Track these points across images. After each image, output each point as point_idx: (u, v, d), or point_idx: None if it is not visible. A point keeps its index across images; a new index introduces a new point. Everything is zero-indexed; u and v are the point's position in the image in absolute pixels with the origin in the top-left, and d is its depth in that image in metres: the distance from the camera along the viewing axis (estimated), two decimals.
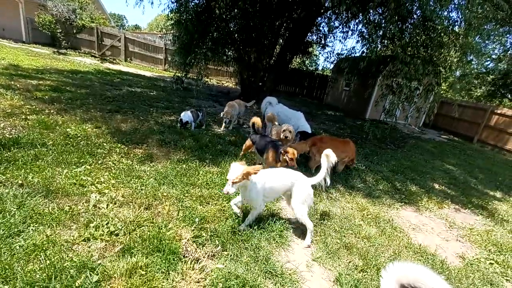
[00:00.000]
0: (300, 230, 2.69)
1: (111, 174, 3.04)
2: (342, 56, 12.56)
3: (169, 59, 16.77)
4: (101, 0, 20.15)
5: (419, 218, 3.56)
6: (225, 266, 2.02)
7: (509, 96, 14.92)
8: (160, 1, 8.72)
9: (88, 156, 3.33)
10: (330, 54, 13.10)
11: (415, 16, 5.76)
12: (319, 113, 12.07)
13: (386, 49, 7.53)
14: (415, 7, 5.51)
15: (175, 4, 8.05)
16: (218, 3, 7.60)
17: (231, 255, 2.13)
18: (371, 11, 6.05)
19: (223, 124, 5.97)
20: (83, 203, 2.44)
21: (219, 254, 2.14)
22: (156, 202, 2.67)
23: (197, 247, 2.17)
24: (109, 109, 5.63)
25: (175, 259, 1.97)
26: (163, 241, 2.08)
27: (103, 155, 3.46)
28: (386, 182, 4.62)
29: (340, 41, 11.37)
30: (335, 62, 16.15)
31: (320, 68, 16.60)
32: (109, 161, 3.34)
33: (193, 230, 2.34)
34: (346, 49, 18.52)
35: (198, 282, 1.86)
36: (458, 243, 3.12)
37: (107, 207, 2.45)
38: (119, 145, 3.87)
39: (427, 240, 3.03)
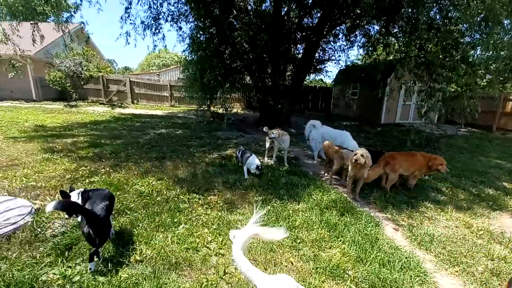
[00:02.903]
0: None
1: (211, 230, 2.86)
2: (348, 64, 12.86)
3: (175, 95, 17.03)
4: (99, 47, 20.77)
5: None
6: None
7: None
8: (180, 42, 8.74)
9: (178, 213, 3.16)
10: (340, 65, 13.33)
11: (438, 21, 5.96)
12: (335, 125, 12.11)
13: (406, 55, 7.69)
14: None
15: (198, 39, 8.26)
16: (239, 38, 7.83)
17: None
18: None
19: (266, 155, 5.83)
20: (212, 272, 2.25)
21: None
22: (279, 254, 2.49)
23: None
24: (155, 157, 5.51)
25: None
26: None
27: (188, 209, 3.30)
28: (461, 190, 4.48)
29: (344, 51, 11.72)
30: (340, 71, 16.60)
31: (323, 80, 16.98)
32: (198, 215, 3.18)
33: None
34: (351, 59, 18.97)
35: None
36: None
37: (236, 270, 2.26)
38: (193, 195, 3.71)
39: None
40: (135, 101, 16.91)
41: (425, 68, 6.51)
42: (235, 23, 8.30)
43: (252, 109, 17.48)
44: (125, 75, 19.46)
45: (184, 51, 8.83)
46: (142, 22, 8.03)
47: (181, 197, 3.63)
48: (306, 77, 14.32)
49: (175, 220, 3.00)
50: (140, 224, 2.86)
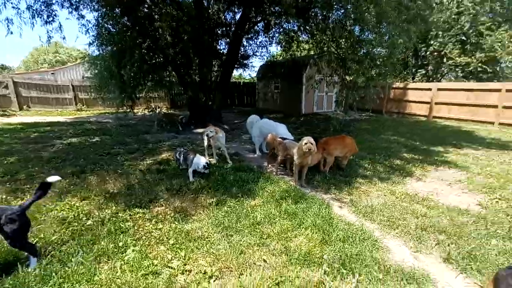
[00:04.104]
0: None
1: (169, 246, 2.51)
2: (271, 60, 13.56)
3: (82, 97, 14.39)
4: None
5: (425, 185, 4.28)
6: None
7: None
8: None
9: (122, 235, 2.64)
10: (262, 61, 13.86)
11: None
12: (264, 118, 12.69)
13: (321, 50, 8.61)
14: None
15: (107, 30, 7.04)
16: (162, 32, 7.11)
17: None
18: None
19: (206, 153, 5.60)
20: None
21: None
22: (250, 254, 2.38)
23: None
24: (71, 172, 4.50)
25: None
26: None
27: (134, 228, 2.81)
28: (378, 164, 5.34)
29: (265, 47, 12.27)
30: (261, 66, 17.31)
31: (250, 75, 17.47)
32: (148, 232, 2.74)
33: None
34: (273, 54, 19.88)
35: None
36: (467, 194, 3.92)
37: (209, 283, 2.04)
38: (136, 210, 3.20)
39: (450, 200, 3.70)
40: (25, 106, 13.44)
41: (338, 62, 7.41)
42: (154, 13, 7.48)
43: (178, 108, 16.47)
44: (4, 74, 15.21)
45: (90, 44, 7.42)
46: (29, 7, 6.30)
47: (120, 215, 3.07)
48: (234, 73, 14.37)
49: (120, 244, 2.50)
50: (73, 259, 2.26)
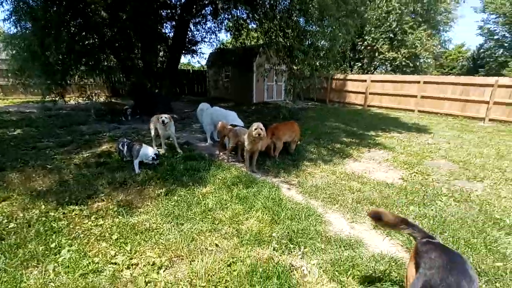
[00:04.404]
0: None
1: (111, 242, 2.34)
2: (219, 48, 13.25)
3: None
4: None
5: (361, 165, 4.82)
6: None
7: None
8: None
9: (55, 235, 2.35)
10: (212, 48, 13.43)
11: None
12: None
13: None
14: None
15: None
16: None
17: None
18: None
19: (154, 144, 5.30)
20: None
21: None
22: (202, 240, 2.38)
23: None
24: None
25: None
26: None
27: (69, 227, 2.53)
28: (322, 147, 5.79)
29: (214, 33, 11.92)
30: (211, 54, 16.79)
31: (200, 63, 16.74)
32: (87, 230, 2.50)
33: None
34: (223, 41, 19.34)
35: None
36: (393, 171, 4.55)
37: (158, 274, 1.99)
38: (71, 207, 2.88)
39: (379, 176, 4.25)
40: None
41: (286, 51, 7.66)
42: None
43: (120, 97, 14.98)
44: None
45: (5, 20, 6.13)
46: None
47: (52, 214, 2.72)
48: (183, 60, 13.63)
49: (53, 245, 2.23)
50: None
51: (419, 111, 12.01)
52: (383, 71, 19.19)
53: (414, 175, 4.26)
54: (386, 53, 15.11)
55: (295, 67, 7.93)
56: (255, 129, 3.95)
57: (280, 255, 2.25)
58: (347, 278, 2.00)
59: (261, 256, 2.22)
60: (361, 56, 16.58)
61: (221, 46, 14.08)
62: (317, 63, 7.40)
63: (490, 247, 2.36)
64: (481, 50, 26.96)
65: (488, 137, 7.27)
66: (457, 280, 1.25)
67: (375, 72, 18.23)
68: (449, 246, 2.37)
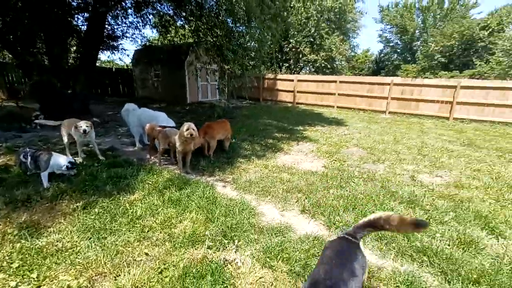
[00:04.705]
0: None
1: (11, 271, 1.95)
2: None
3: None
4: None
5: (290, 157, 5.22)
6: None
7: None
8: None
9: None
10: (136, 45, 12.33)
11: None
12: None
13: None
14: None
15: None
16: None
17: None
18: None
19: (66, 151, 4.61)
20: None
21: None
22: (129, 252, 2.19)
23: None
24: None
25: None
26: None
27: None
28: (256, 144, 6.03)
29: (138, 28, 11.01)
30: (136, 51, 15.43)
31: (116, 60, 15.04)
32: None
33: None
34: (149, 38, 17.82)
35: None
36: (317, 160, 5.07)
37: None
38: None
39: (306, 166, 4.68)
40: None
41: (216, 50, 7.66)
42: None
43: (20, 99, 12.36)
44: None
45: None
46: None
47: None
48: (103, 57, 12.09)
49: None
50: None
51: (337, 107, 13.66)
52: (307, 71, 21.17)
53: (334, 162, 4.86)
54: (308, 55, 16.67)
55: (226, 66, 8.01)
56: (187, 129, 3.84)
57: (214, 252, 2.26)
58: (277, 262, 2.16)
59: (195, 256, 2.19)
60: (287, 57, 17.85)
61: (148, 42, 13.11)
62: (248, 63, 7.64)
63: None
64: (382, 55, 32.38)
65: (388, 126, 8.82)
66: (339, 273, 1.40)
67: (300, 72, 19.90)
68: (359, 219, 2.81)
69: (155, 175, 3.85)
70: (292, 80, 15.17)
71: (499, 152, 5.85)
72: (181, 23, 10.43)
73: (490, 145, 6.47)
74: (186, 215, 2.81)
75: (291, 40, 16.76)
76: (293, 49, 16.95)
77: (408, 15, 27.25)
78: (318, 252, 2.25)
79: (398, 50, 29.95)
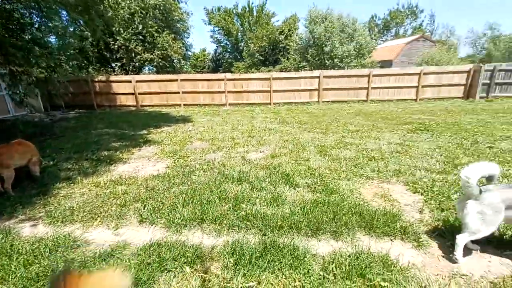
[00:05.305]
0: None
1: None
2: None
3: None
4: None
5: (130, 166, 4.72)
6: None
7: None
8: None
9: None
10: None
11: None
12: None
13: None
14: None
15: None
16: None
17: None
18: None
19: None
20: None
21: None
22: None
23: None
24: None
25: None
26: None
27: None
28: (84, 160, 5.00)
29: None
30: None
31: None
32: None
33: None
34: None
35: None
36: (160, 162, 4.85)
37: None
38: None
39: (148, 171, 4.39)
40: None
41: None
42: None
43: None
44: None
45: None
46: None
47: None
48: None
49: None
50: None
51: (184, 105, 13.83)
52: (151, 71, 19.85)
53: (177, 160, 4.87)
54: (143, 54, 15.60)
55: (19, 69, 6.04)
56: None
57: None
58: None
59: None
60: (118, 56, 15.89)
61: None
62: (51, 63, 6.06)
63: (221, 196, 3.24)
64: (217, 54, 35.67)
65: (228, 117, 9.91)
66: None
67: (140, 72, 18.38)
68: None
69: None
70: (130, 81, 13.75)
71: (299, 124, 8.01)
72: None
73: (294, 120, 8.73)
74: None
75: (117, 37, 14.95)
76: (123, 47, 15.26)
77: (229, 19, 31.31)
78: (154, 260, 2.16)
79: (229, 50, 34.00)
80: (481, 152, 4.75)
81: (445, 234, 2.44)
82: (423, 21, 42.87)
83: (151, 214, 2.94)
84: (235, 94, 13.57)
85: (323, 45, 18.28)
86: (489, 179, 2.12)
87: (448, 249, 2.27)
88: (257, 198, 3.20)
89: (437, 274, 2.01)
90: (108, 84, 14.21)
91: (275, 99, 13.35)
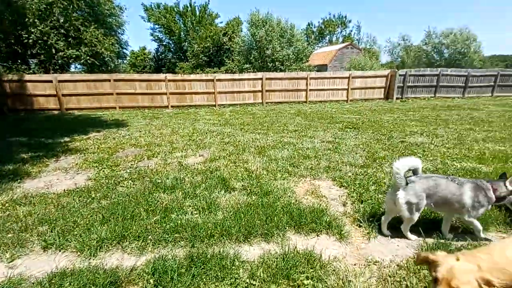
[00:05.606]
0: None
1: None
2: None
3: None
4: None
5: (41, 181, 4.02)
6: None
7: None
8: None
9: None
10: None
11: None
12: None
13: None
14: None
15: None
16: None
17: None
18: None
19: None
20: None
21: None
22: None
23: None
24: None
25: None
26: None
27: None
28: None
29: None
30: None
31: None
32: None
33: None
34: None
35: None
36: (81, 174, 4.24)
37: None
38: None
39: (63, 185, 3.79)
40: None
41: None
42: None
43: None
44: None
45: None
46: None
47: None
48: None
49: None
50: None
51: (120, 107, 12.60)
52: (81, 70, 17.45)
53: (103, 171, 4.34)
54: (65, 50, 13.67)
55: None
56: None
57: None
58: None
59: None
60: (34, 51, 13.57)
61: None
62: None
63: (149, 208, 2.96)
64: (159, 53, 33.64)
65: (169, 120, 9.36)
66: None
67: (64, 71, 16.04)
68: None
69: None
70: (51, 81, 11.89)
71: (242, 125, 8.03)
72: None
73: (238, 122, 8.72)
74: None
75: (32, 30, 12.77)
76: (39, 42, 13.10)
77: (170, 17, 29.84)
78: None
79: (172, 49, 32.43)
80: (395, 146, 5.44)
81: (363, 223, 2.67)
82: (351, 31, 47.95)
83: (59, 237, 2.50)
84: (178, 95, 12.96)
85: (265, 48, 18.82)
86: (414, 171, 2.43)
87: (366, 237, 2.48)
88: (189, 206, 3.02)
89: (355, 264, 2.16)
90: (22, 84, 12.04)
91: (220, 101, 13.19)
